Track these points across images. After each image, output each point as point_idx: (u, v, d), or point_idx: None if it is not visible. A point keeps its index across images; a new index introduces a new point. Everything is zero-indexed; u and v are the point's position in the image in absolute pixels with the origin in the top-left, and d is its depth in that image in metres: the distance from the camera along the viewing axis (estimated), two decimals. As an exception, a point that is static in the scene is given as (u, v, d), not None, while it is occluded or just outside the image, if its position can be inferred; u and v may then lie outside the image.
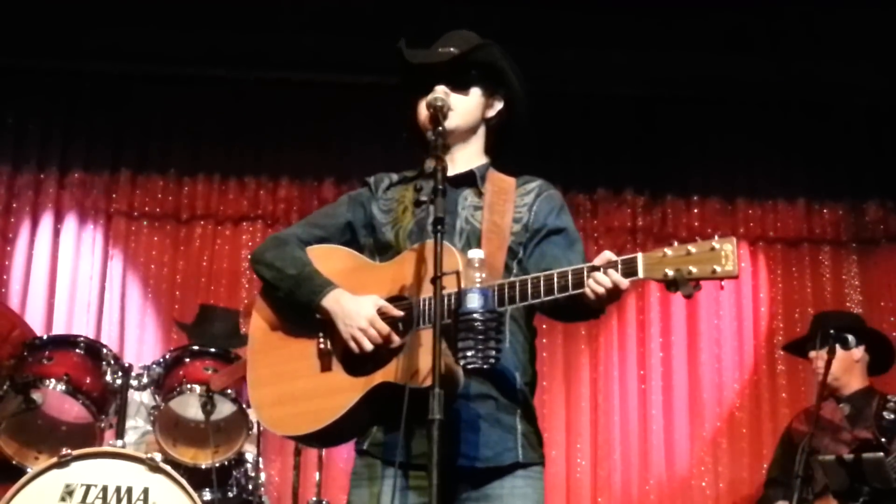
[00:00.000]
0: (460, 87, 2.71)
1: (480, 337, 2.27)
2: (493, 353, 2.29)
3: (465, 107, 2.72)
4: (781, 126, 6.60)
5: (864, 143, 6.63)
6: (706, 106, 6.60)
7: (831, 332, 4.37)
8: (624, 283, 2.33)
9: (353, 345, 2.52)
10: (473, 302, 2.30)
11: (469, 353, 2.27)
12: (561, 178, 6.38)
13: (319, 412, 2.53)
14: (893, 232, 6.57)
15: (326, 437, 2.64)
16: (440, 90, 2.65)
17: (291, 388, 2.62)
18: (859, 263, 6.55)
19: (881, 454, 4.22)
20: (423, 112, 2.69)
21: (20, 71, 6.42)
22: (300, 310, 2.63)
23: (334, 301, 2.57)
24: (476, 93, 2.74)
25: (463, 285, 2.36)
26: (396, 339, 2.51)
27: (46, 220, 6.39)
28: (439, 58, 2.71)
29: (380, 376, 2.48)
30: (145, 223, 6.45)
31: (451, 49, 2.73)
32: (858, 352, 4.69)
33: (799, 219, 6.56)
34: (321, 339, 2.60)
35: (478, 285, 2.32)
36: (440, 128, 2.57)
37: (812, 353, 4.72)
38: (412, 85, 2.75)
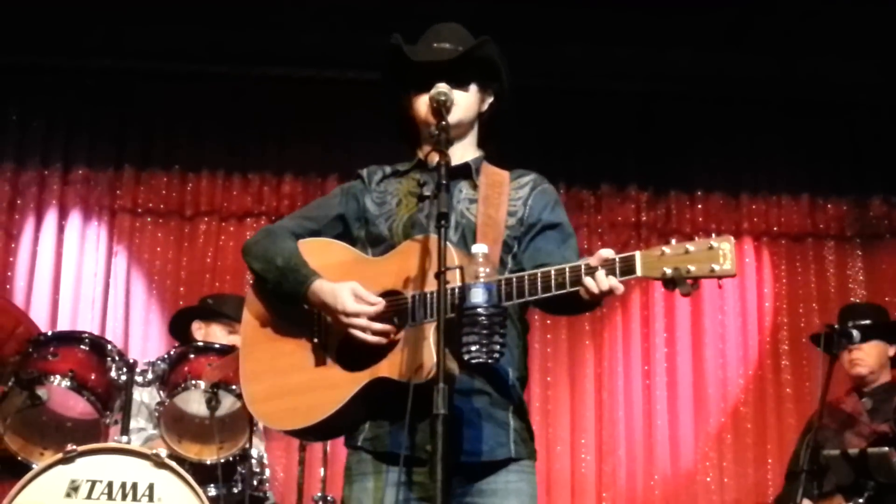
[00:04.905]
0: (460, 83, 2.72)
1: (485, 332, 2.27)
2: (498, 347, 2.28)
3: (466, 102, 2.74)
4: (785, 122, 6.60)
5: (868, 138, 6.62)
6: (710, 102, 6.59)
7: (835, 327, 4.36)
8: (619, 288, 2.32)
9: (355, 333, 2.49)
10: (478, 297, 2.30)
11: (473, 348, 2.27)
12: (565, 174, 6.40)
13: (314, 407, 2.53)
14: (898, 227, 6.58)
15: (322, 431, 2.64)
16: (442, 86, 2.65)
17: (285, 382, 2.61)
18: (863, 258, 6.55)
19: (886, 449, 4.21)
20: (422, 107, 2.70)
21: (24, 68, 6.42)
22: (288, 301, 2.63)
23: (318, 291, 2.56)
24: (474, 89, 2.76)
25: (466, 280, 2.35)
26: (376, 325, 2.49)
27: (50, 217, 6.40)
28: (444, 55, 2.71)
29: (376, 371, 2.47)
30: (149, 219, 6.46)
31: (446, 45, 2.73)
32: (893, 349, 4.75)
33: (803, 214, 6.56)
34: (315, 333, 2.59)
35: (482, 280, 2.32)
36: (444, 122, 2.59)
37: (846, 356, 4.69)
38: (405, 81, 2.76)
